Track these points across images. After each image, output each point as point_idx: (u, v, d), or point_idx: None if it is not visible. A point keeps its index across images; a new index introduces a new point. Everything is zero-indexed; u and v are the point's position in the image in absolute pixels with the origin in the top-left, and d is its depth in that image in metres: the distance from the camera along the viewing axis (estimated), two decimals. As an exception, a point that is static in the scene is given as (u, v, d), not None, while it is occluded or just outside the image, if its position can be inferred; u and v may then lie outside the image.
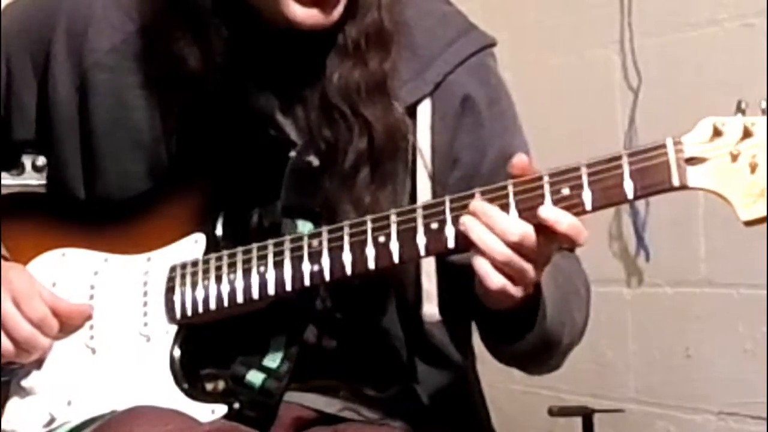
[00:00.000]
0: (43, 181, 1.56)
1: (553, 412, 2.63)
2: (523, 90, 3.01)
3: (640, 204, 2.60)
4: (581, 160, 1.21)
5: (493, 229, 1.20)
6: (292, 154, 1.38)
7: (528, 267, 1.21)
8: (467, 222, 1.21)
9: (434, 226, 1.24)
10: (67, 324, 1.40)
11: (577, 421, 2.62)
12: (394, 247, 1.25)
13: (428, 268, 1.40)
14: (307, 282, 1.30)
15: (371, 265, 1.27)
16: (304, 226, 1.37)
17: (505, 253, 1.20)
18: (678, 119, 2.47)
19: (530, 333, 1.32)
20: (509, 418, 2.58)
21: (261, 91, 1.41)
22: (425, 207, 1.25)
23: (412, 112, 1.41)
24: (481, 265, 1.21)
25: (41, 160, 1.55)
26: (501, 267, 1.21)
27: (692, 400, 2.54)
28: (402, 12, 1.42)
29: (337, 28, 1.39)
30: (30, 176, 1.58)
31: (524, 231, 1.20)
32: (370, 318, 1.42)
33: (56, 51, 1.46)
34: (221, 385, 1.38)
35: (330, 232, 1.29)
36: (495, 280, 1.21)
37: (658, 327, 2.64)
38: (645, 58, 2.59)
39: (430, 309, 1.40)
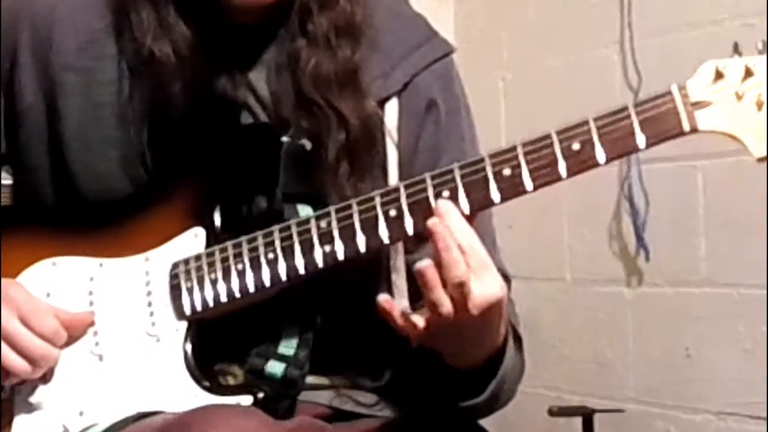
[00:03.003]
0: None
1: (553, 412, 2.63)
2: (523, 90, 3.03)
3: (640, 204, 2.60)
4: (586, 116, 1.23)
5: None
6: (285, 138, 1.38)
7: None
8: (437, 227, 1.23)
9: (446, 194, 1.25)
10: (70, 333, 1.37)
11: (577, 421, 2.62)
12: (407, 218, 1.26)
13: (398, 264, 1.42)
14: (320, 264, 1.29)
15: (385, 239, 1.27)
16: (304, 210, 1.36)
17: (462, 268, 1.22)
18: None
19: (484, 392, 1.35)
20: (509, 418, 2.58)
21: (232, 81, 1.41)
22: (433, 177, 1.26)
23: (380, 110, 1.44)
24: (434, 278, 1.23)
25: None
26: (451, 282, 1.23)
27: (692, 400, 2.54)
28: (370, 11, 1.44)
29: (307, 18, 1.40)
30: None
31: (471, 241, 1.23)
32: (360, 307, 1.42)
33: (22, 59, 1.46)
34: (233, 378, 1.37)
35: (338, 211, 1.29)
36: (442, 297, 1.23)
37: (658, 327, 2.64)
38: (645, 58, 2.60)
39: (401, 303, 1.40)
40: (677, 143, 2.83)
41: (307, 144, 1.39)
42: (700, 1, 2.49)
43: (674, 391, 2.59)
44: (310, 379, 1.39)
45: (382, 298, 1.27)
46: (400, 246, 1.42)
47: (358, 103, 1.39)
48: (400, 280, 1.42)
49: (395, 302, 1.37)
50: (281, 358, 1.35)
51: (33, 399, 1.37)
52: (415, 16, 1.53)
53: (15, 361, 1.34)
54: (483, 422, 1.45)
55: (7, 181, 1.55)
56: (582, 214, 2.82)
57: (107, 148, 1.42)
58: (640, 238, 2.62)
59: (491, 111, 2.92)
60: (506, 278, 1.49)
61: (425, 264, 1.22)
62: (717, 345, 2.49)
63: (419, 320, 1.26)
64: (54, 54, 1.44)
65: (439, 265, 1.22)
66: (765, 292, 2.34)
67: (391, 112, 1.44)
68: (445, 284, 1.22)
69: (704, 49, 2.46)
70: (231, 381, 1.38)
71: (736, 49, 1.18)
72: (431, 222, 1.23)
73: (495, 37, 3.01)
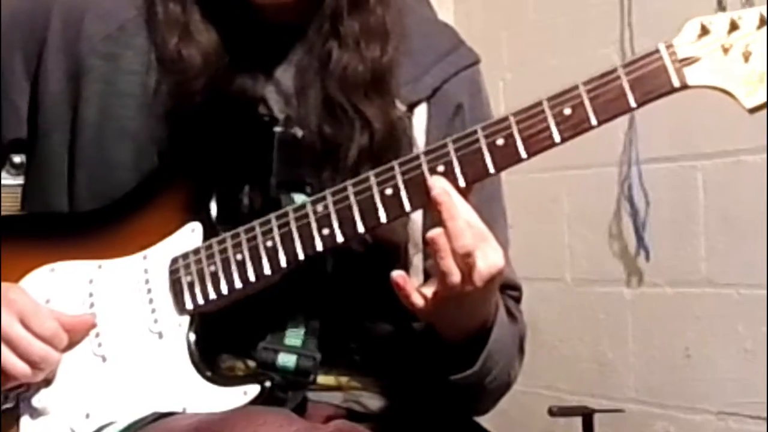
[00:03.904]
0: (20, 181, 1.52)
1: (553, 412, 2.63)
2: (523, 90, 3.03)
3: (640, 204, 2.60)
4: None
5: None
6: (277, 129, 1.38)
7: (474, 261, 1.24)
8: (443, 198, 1.24)
9: (441, 168, 1.25)
10: (72, 336, 1.36)
11: (577, 421, 2.62)
12: (404, 195, 1.26)
13: (413, 263, 1.42)
14: (319, 247, 1.29)
15: (383, 218, 1.27)
16: (299, 199, 1.36)
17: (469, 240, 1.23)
18: (679, 119, 2.47)
19: (471, 369, 1.34)
20: (509, 418, 2.58)
21: (255, 80, 1.41)
22: (427, 153, 1.27)
23: (409, 113, 1.44)
24: (444, 245, 1.23)
25: (18, 158, 1.52)
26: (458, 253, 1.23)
27: (692, 400, 2.54)
28: (400, 15, 1.44)
29: (338, 19, 1.40)
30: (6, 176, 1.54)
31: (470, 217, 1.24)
32: (374, 303, 1.41)
33: (51, 43, 1.45)
34: (240, 369, 1.37)
35: (334, 194, 1.29)
36: (452, 266, 1.23)
37: (658, 327, 2.64)
38: (645, 58, 2.60)
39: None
40: (677, 143, 2.83)
41: (298, 132, 1.39)
42: (700, 1, 2.49)
43: (674, 391, 2.59)
44: (318, 379, 1.39)
45: (396, 273, 1.28)
46: (420, 248, 1.43)
47: (385, 108, 1.39)
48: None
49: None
50: (290, 349, 1.35)
51: (38, 404, 1.36)
52: (443, 23, 1.55)
53: (15, 364, 1.33)
54: (483, 422, 1.45)
55: (8, 181, 1.53)
56: (582, 214, 2.82)
57: (122, 140, 1.41)
58: (640, 238, 2.62)
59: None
60: (517, 289, 1.49)
61: (436, 231, 1.24)
62: (717, 345, 2.49)
63: (429, 292, 1.27)
64: (83, 39, 1.44)
65: (447, 235, 1.23)
66: (765, 292, 2.35)
67: (420, 116, 1.44)
68: (453, 254, 1.23)
69: (704, 49, 2.47)
70: (239, 370, 1.37)
71: (721, 5, 1.20)
72: (435, 192, 1.24)
73: (495, 37, 3.01)
